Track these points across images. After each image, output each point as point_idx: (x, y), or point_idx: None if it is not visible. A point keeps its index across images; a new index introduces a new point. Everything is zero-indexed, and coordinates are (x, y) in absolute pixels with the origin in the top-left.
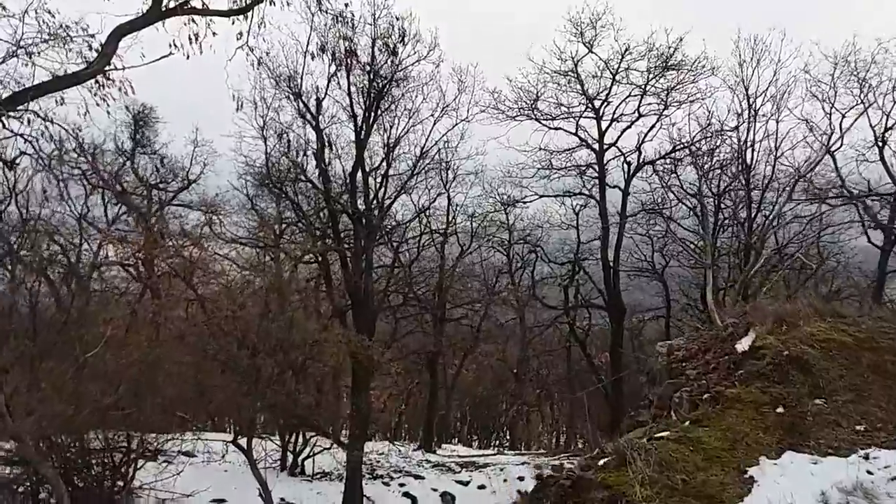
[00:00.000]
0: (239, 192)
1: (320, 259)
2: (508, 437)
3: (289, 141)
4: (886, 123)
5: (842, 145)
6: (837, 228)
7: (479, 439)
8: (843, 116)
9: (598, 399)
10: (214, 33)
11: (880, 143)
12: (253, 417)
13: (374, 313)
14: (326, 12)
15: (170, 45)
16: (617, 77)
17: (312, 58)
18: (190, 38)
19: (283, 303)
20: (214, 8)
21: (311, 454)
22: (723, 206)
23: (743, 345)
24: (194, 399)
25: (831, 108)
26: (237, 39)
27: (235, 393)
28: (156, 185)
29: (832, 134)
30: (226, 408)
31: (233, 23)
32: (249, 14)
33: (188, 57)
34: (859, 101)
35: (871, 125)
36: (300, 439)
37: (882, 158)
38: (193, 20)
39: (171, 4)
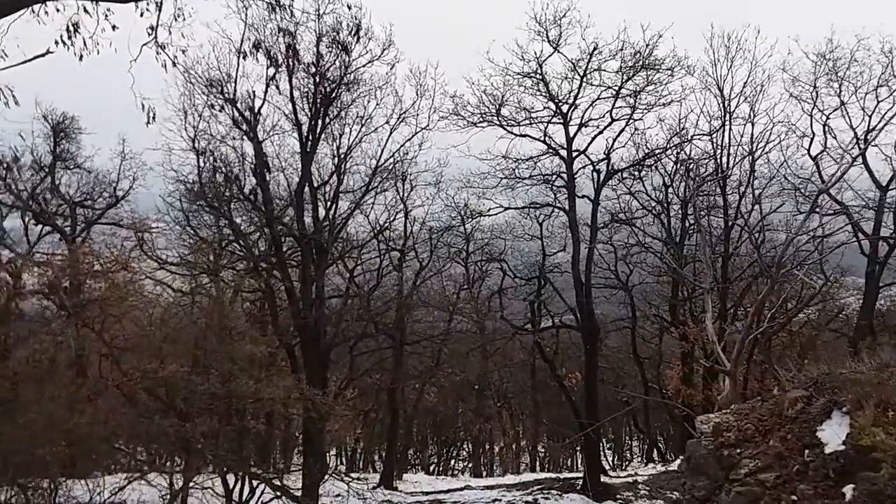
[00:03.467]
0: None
1: (264, 288)
2: (470, 456)
3: (224, 155)
4: (869, 124)
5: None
6: (836, 241)
7: (440, 461)
8: (827, 117)
9: (565, 414)
10: (115, 26)
11: (862, 145)
12: (185, 487)
13: (326, 351)
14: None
15: (57, 41)
16: (586, 78)
17: (244, 57)
18: (69, 30)
19: (217, 346)
20: None
21: (259, 503)
22: (688, 213)
23: (831, 437)
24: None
25: (812, 108)
26: (149, 35)
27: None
28: (81, 202)
29: (814, 137)
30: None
31: (141, 14)
32: (158, 2)
33: (81, 58)
34: (839, 100)
35: (851, 126)
36: (246, 488)
37: (865, 161)
38: (86, 9)
39: None
